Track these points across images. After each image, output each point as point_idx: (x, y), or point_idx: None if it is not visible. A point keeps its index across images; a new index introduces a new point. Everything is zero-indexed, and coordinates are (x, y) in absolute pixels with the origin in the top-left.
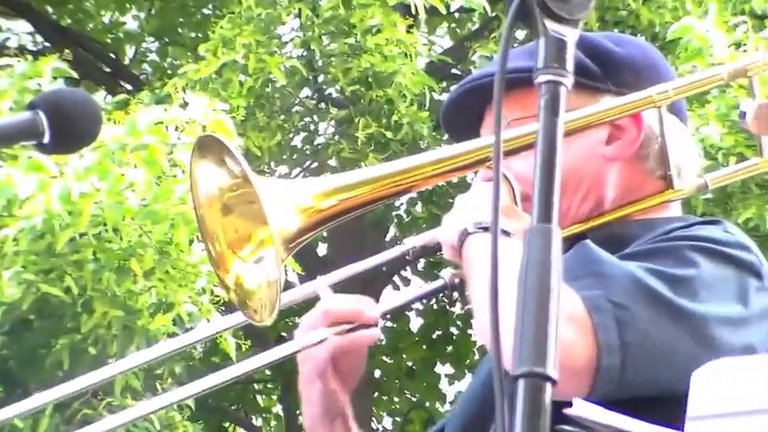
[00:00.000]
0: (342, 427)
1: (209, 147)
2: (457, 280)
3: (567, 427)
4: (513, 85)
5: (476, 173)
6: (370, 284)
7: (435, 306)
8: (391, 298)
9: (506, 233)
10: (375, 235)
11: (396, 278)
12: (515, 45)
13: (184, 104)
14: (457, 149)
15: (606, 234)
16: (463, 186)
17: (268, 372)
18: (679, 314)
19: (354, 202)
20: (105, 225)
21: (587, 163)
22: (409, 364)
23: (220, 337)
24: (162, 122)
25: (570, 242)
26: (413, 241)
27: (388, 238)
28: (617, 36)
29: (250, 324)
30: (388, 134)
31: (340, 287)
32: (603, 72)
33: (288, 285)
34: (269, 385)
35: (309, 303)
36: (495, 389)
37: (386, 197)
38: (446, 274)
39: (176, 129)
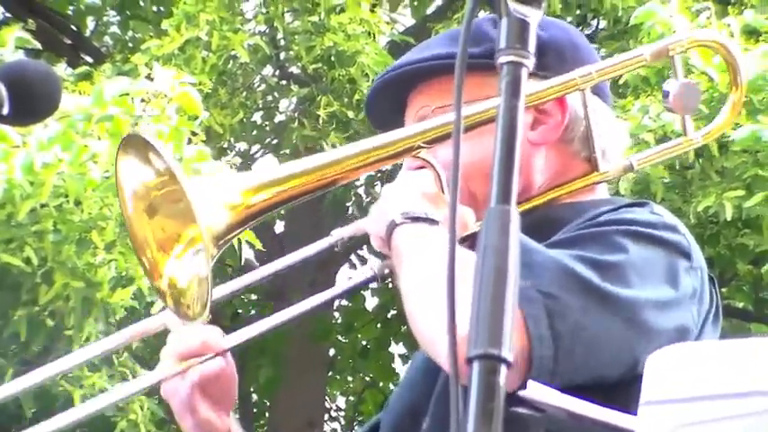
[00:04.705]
0: None
1: (134, 145)
2: (387, 270)
3: (521, 410)
4: (435, 73)
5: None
6: (325, 265)
7: (390, 285)
8: (277, 315)
9: (434, 222)
10: (333, 213)
11: (353, 257)
12: None
13: (149, 77)
14: (383, 139)
15: (533, 219)
16: None
17: None
18: (609, 301)
19: (283, 197)
20: (67, 196)
21: None
22: (363, 343)
23: None
24: (128, 94)
25: None
26: (340, 232)
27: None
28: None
29: None
30: (350, 113)
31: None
32: None
33: (247, 264)
34: None
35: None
36: (450, 376)
37: (314, 190)
38: (375, 264)
39: (142, 101)
